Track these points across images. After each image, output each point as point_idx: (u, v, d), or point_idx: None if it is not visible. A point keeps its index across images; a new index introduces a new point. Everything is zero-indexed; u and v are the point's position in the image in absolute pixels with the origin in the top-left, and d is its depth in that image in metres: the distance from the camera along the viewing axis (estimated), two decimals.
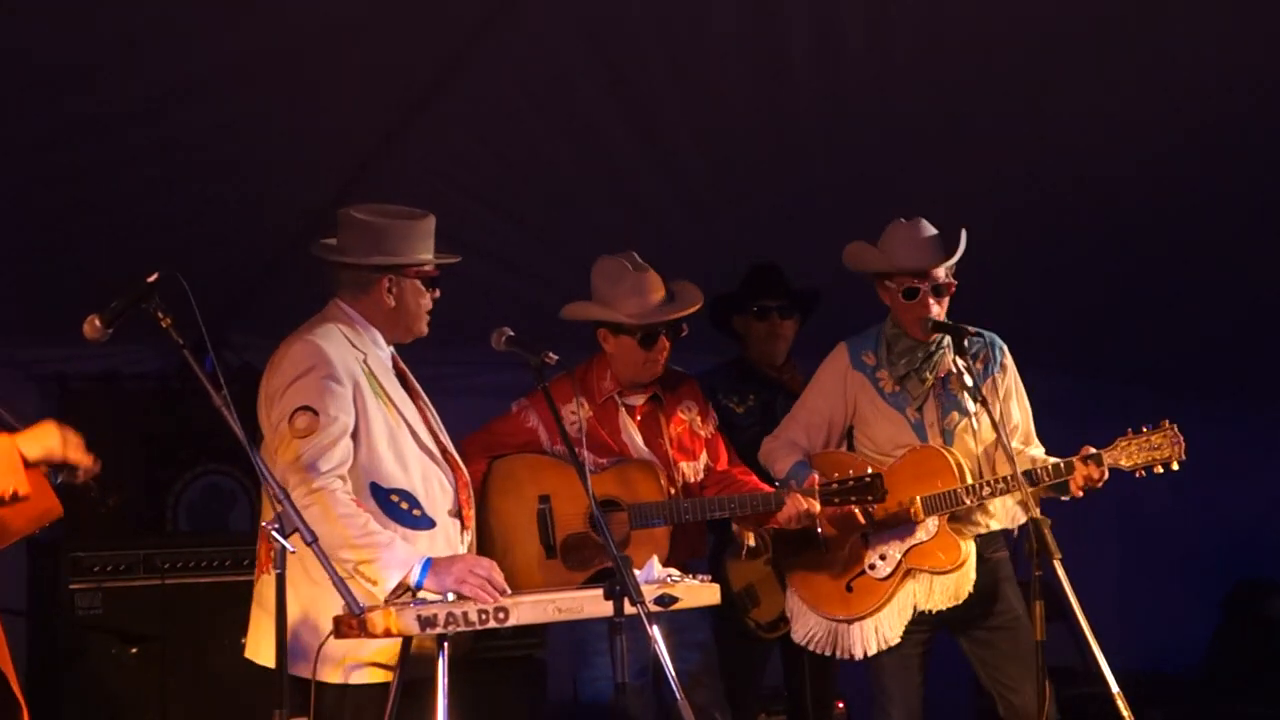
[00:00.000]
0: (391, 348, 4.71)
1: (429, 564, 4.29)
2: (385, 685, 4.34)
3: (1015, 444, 5.26)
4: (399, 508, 4.42)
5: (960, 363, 5.16)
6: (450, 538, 4.54)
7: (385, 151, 6.01)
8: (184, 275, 3.96)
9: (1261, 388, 8.62)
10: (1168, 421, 5.09)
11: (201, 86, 5.46)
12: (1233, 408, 8.45)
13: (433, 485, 4.54)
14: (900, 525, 5.24)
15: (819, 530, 5.26)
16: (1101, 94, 6.02)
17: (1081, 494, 5.14)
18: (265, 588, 4.37)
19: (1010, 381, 5.37)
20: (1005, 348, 5.40)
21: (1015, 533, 5.40)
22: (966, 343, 5.19)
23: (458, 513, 4.62)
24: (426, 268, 4.64)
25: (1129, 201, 6.76)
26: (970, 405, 5.26)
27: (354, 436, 4.40)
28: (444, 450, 4.67)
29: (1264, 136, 6.27)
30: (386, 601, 4.20)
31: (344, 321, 4.58)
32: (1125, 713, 4.78)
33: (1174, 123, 6.21)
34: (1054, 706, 5.16)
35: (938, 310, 5.25)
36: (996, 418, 5.07)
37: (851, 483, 5.11)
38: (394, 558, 4.27)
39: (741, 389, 6.01)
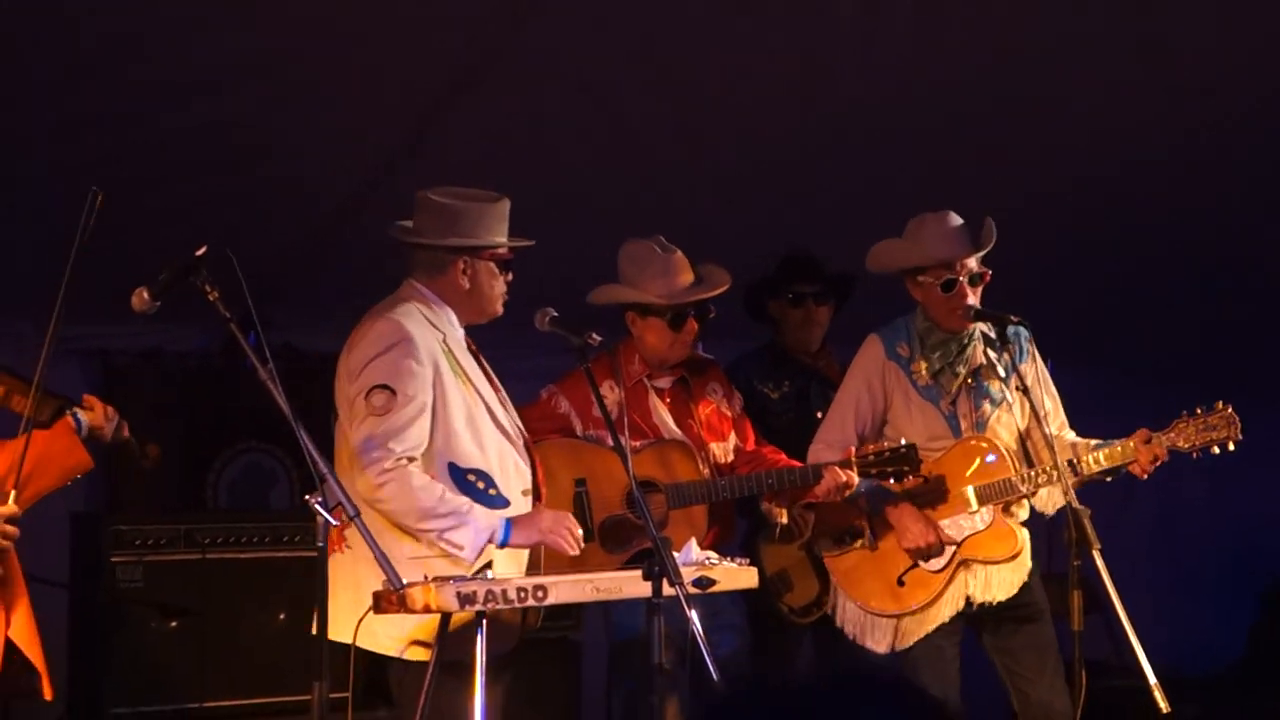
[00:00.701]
0: (464, 329, 4.75)
1: (510, 524, 4.40)
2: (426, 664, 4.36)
3: (1053, 430, 5.25)
4: (475, 487, 4.47)
5: (991, 354, 5.23)
6: None
7: (426, 134, 6.02)
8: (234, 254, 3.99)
9: None
10: (1221, 403, 5.10)
11: (246, 67, 5.48)
12: (1274, 399, 8.39)
13: (508, 465, 4.59)
14: (954, 517, 5.23)
15: (867, 528, 5.28)
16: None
17: (1145, 475, 5.13)
18: (339, 567, 4.40)
19: (1038, 370, 5.36)
20: (1030, 336, 5.38)
21: (1050, 517, 5.40)
22: (1010, 331, 5.19)
23: (534, 491, 4.67)
24: (500, 250, 4.68)
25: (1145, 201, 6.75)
26: (1000, 395, 5.26)
27: (432, 416, 4.43)
28: (519, 430, 4.71)
29: (1264, 136, 6.25)
30: (473, 575, 4.23)
31: (420, 301, 4.63)
32: (1163, 704, 4.77)
33: (1174, 123, 6.19)
34: (1065, 700, 5.19)
35: (973, 300, 5.25)
36: (1039, 407, 5.06)
37: (888, 454, 5.10)
38: (476, 523, 4.35)
39: (776, 375, 6.00)
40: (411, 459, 4.37)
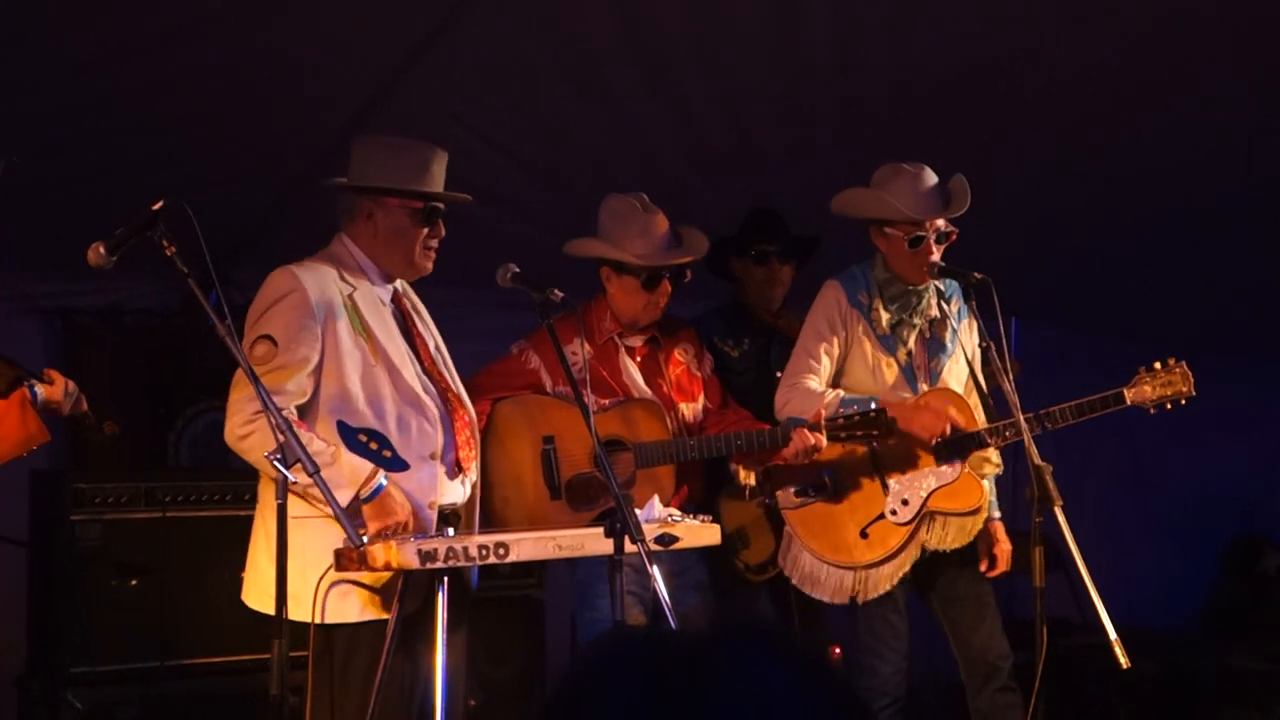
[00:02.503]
0: (399, 284, 4.67)
1: (380, 489, 4.29)
2: (379, 620, 4.32)
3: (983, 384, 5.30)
4: (368, 447, 4.37)
5: (944, 306, 5.28)
6: (423, 482, 4.47)
7: (391, 90, 5.96)
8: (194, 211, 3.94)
9: (1264, 341, 8.60)
10: (1174, 359, 5.13)
11: (207, 22, 5.41)
12: (1235, 362, 8.42)
13: (410, 427, 4.46)
14: (922, 468, 5.23)
15: (830, 480, 5.26)
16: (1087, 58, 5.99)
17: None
18: (258, 531, 4.39)
19: (977, 328, 5.35)
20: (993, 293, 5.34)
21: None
22: (959, 289, 5.22)
23: (447, 456, 4.56)
24: (414, 201, 4.56)
25: (1120, 164, 6.74)
26: (952, 348, 5.28)
27: (323, 371, 4.36)
28: (446, 391, 4.62)
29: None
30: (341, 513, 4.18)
31: (342, 255, 4.55)
32: (1123, 660, 4.78)
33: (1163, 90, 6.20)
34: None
35: (937, 257, 5.24)
36: (999, 361, 5.05)
37: (858, 417, 5.07)
38: (340, 475, 4.24)
39: (737, 333, 5.99)
40: (280, 410, 4.30)
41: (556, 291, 4.44)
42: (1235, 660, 7.63)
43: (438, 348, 4.71)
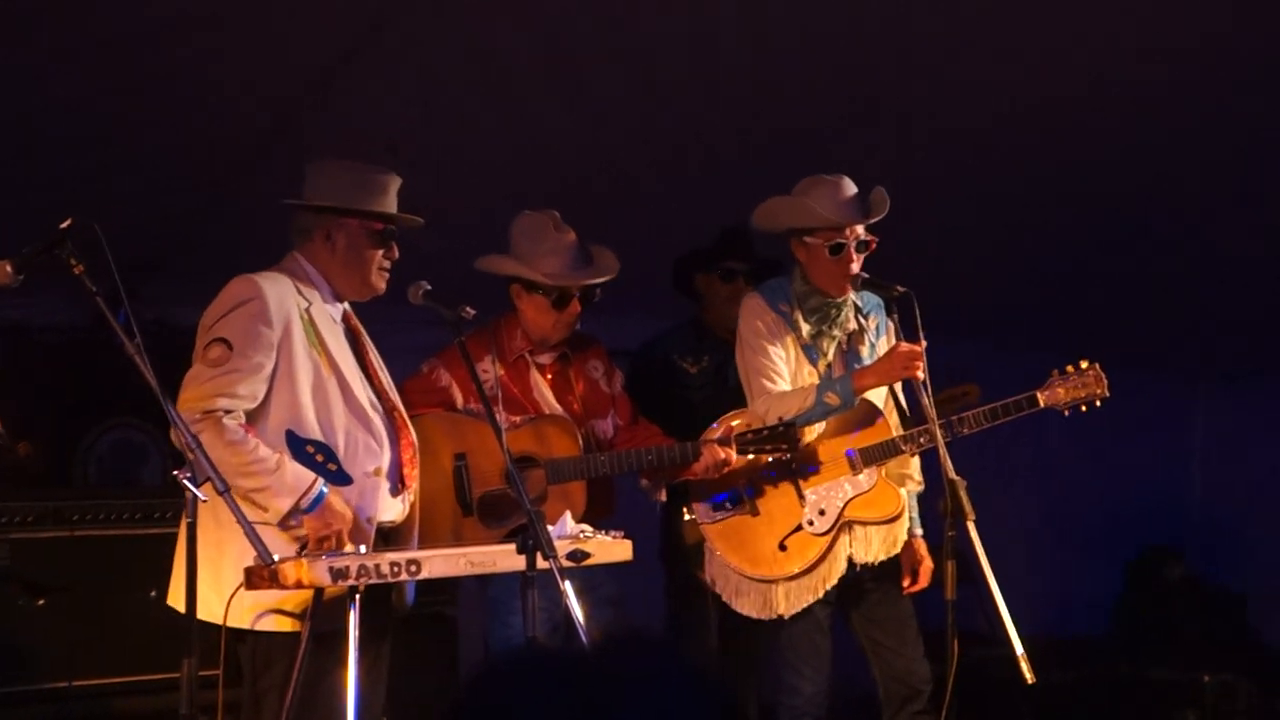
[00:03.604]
0: (345, 304, 4.70)
1: (321, 499, 4.30)
2: (295, 635, 4.32)
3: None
4: (314, 459, 4.41)
5: (861, 320, 5.33)
6: (365, 497, 4.50)
7: (306, 103, 5.95)
8: (99, 227, 3.92)
9: (1174, 354, 8.74)
10: (1087, 362, 5.18)
11: (123, 36, 5.38)
12: (1142, 374, 8.55)
13: (356, 443, 4.51)
14: (837, 477, 5.26)
15: (749, 492, 5.29)
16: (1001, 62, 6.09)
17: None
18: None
19: (896, 340, 5.37)
20: (915, 307, 5.36)
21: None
22: (876, 303, 5.27)
23: (392, 474, 4.59)
24: (374, 223, 4.62)
25: (1026, 176, 6.83)
26: (869, 361, 5.29)
27: (276, 381, 4.38)
28: (393, 410, 4.65)
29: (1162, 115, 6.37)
30: (281, 524, 4.24)
31: (297, 271, 4.59)
32: (1028, 675, 4.85)
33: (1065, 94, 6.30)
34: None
35: (857, 266, 5.27)
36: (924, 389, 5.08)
37: (766, 431, 5.13)
38: (282, 484, 4.28)
39: (696, 350, 6.04)
40: (229, 412, 4.31)
41: (468, 309, 4.47)
42: (1142, 669, 7.75)
43: (381, 368, 4.74)
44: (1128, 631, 8.83)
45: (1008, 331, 8.44)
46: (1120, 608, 9.04)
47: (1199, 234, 7.42)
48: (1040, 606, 7.15)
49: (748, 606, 5.34)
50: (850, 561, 5.27)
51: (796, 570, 5.27)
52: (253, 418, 4.39)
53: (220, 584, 4.24)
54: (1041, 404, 5.15)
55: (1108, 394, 5.16)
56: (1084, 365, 5.18)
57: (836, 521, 5.25)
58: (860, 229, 5.24)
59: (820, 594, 5.27)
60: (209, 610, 4.21)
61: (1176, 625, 8.69)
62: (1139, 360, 8.47)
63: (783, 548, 5.29)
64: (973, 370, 7.78)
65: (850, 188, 5.29)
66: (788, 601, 5.28)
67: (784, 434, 5.10)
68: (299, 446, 4.40)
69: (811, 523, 5.27)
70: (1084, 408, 5.17)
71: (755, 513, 5.34)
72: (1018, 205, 7.09)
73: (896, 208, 5.24)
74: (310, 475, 4.33)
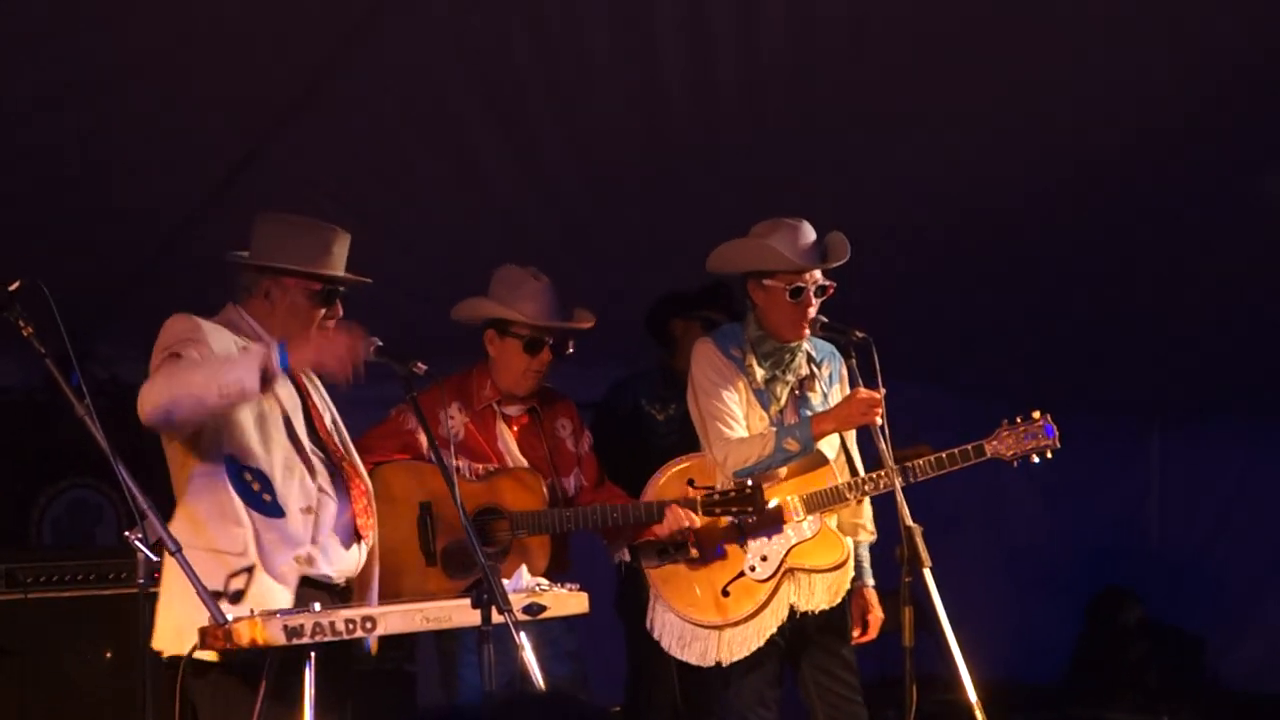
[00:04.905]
0: None
1: (284, 347, 4.29)
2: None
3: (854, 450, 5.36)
4: (250, 487, 4.37)
5: (813, 366, 5.34)
6: (295, 533, 4.44)
7: (253, 162, 5.97)
8: (48, 285, 3.92)
9: (1130, 395, 8.80)
10: (1038, 412, 5.18)
11: (66, 92, 5.39)
12: (1099, 418, 8.61)
13: (293, 478, 4.47)
14: (779, 525, 5.27)
15: (693, 537, 5.28)
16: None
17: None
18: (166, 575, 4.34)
19: (848, 388, 5.38)
20: (872, 352, 5.27)
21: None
22: (829, 350, 5.29)
23: (341, 522, 4.55)
24: (313, 283, 4.58)
25: (1010, 229, 6.90)
26: (820, 407, 5.30)
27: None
28: (341, 461, 4.62)
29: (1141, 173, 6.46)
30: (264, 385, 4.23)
31: (237, 323, 4.55)
32: None
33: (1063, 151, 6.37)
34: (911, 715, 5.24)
35: (814, 311, 5.26)
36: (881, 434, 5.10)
37: (733, 493, 5.15)
38: (246, 359, 4.25)
39: (665, 396, 6.07)
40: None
41: (420, 364, 4.43)
42: (1100, 713, 7.77)
43: (334, 421, 4.71)
44: (1086, 674, 8.85)
45: (963, 376, 8.49)
46: (1078, 651, 9.06)
47: (1154, 275, 7.50)
48: (999, 649, 7.17)
49: (689, 654, 5.32)
50: (792, 610, 5.27)
51: (738, 616, 5.26)
52: (193, 441, 4.37)
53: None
54: (988, 454, 5.16)
55: (1058, 445, 5.17)
56: (1035, 415, 5.19)
57: (779, 568, 5.25)
58: (819, 273, 5.26)
59: (761, 641, 5.24)
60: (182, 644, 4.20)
61: (1135, 668, 8.71)
62: (1096, 400, 8.55)
63: (725, 593, 5.28)
64: (930, 415, 7.83)
65: (810, 232, 5.29)
66: (729, 649, 5.27)
67: (749, 496, 5.12)
68: (236, 472, 4.36)
69: (754, 569, 5.27)
70: (1034, 458, 5.18)
71: (699, 558, 5.32)
72: (970, 249, 7.15)
73: (853, 253, 5.26)
74: (261, 349, 4.30)
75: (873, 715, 5.43)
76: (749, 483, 5.13)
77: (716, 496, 5.17)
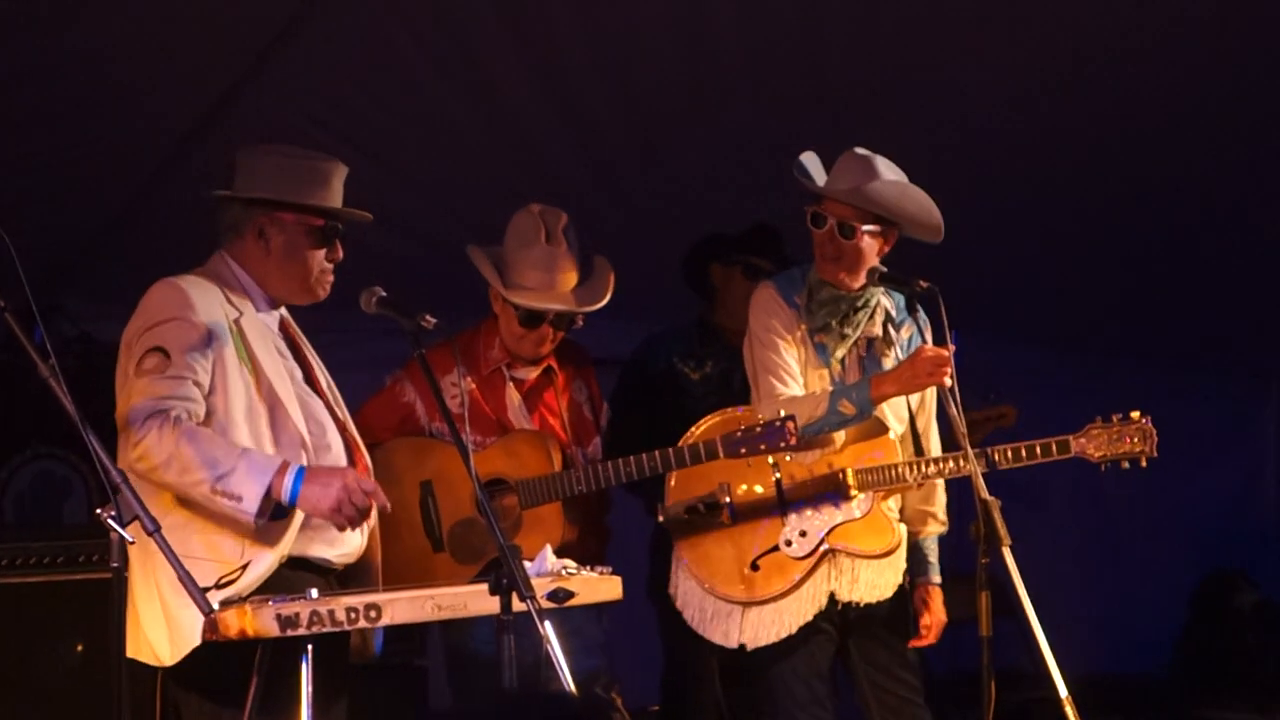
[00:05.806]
0: (282, 311, 4.68)
1: (302, 474, 4.29)
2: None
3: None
4: None
5: (891, 330, 5.24)
6: (299, 520, 4.46)
7: (238, 95, 5.97)
8: (8, 230, 3.93)
9: (1241, 352, 8.75)
10: (1138, 413, 5.12)
11: (33, 23, 5.40)
12: (1204, 388, 8.58)
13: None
14: (826, 498, 5.22)
15: (727, 498, 5.21)
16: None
17: None
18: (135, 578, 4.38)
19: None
20: (942, 305, 5.10)
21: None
22: (904, 304, 5.22)
23: None
24: (313, 218, 4.57)
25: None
26: None
27: (210, 401, 4.37)
28: (343, 430, 4.64)
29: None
30: (257, 517, 4.23)
31: (225, 275, 4.55)
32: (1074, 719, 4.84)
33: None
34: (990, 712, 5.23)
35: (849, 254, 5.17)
36: (951, 396, 5.03)
37: (759, 428, 4.99)
38: (253, 464, 4.25)
39: (700, 354, 6.07)
40: (179, 419, 4.27)
41: (428, 318, 4.35)
42: (1209, 711, 7.75)
43: (329, 384, 4.72)
44: (1193, 669, 8.83)
45: (1057, 332, 8.46)
46: (1185, 641, 9.04)
47: (1267, 212, 7.45)
48: (1092, 641, 7.19)
49: (711, 631, 5.29)
50: (832, 598, 5.22)
51: (765, 595, 5.22)
52: None
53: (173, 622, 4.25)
54: (1073, 451, 5.11)
55: (1154, 454, 5.10)
56: (1134, 416, 5.12)
57: (818, 546, 5.20)
58: (850, 210, 5.12)
59: (793, 628, 5.18)
60: (158, 653, 4.24)
61: (1249, 660, 8.69)
62: (1200, 360, 8.51)
63: (755, 567, 5.24)
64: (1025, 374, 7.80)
65: (853, 162, 5.17)
66: (754, 632, 5.22)
67: (779, 431, 4.97)
68: None
69: (790, 543, 5.21)
70: (1125, 464, 5.12)
71: (731, 522, 5.26)
72: (1065, 190, 7.13)
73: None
74: (273, 462, 4.30)
75: (942, 716, 5.41)
76: (783, 414, 5.00)
77: (739, 434, 5.03)
